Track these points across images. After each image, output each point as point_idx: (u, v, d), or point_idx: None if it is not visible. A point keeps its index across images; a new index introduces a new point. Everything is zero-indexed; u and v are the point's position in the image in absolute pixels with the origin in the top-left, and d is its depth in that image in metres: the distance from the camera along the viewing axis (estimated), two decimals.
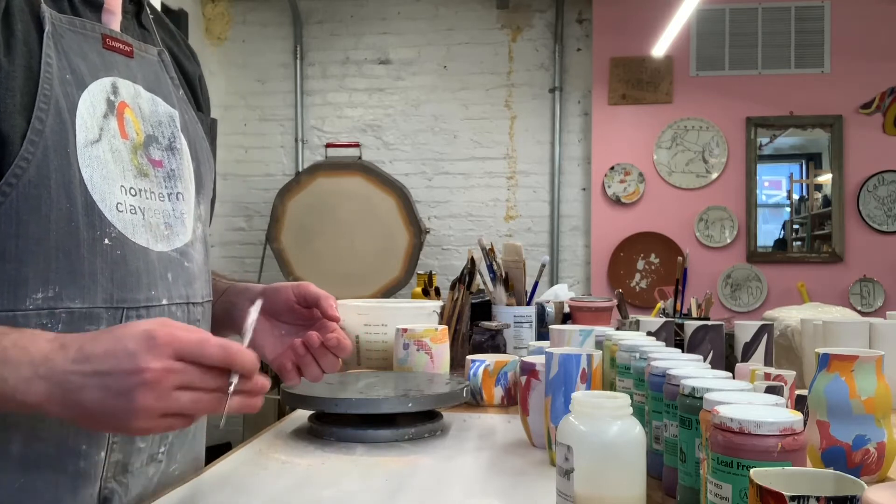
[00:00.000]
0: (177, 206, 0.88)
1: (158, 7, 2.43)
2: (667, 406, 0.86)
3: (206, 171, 0.97)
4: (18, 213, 0.72)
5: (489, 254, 1.93)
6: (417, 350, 1.50)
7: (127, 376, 0.65)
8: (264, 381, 0.72)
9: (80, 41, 0.80)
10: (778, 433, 0.62)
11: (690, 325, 1.44)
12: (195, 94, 1.03)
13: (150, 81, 0.89)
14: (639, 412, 0.91)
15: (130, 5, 0.91)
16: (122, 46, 0.86)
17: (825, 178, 4.26)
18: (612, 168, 4.25)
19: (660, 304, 2.23)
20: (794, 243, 4.38)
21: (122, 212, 0.80)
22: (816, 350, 0.92)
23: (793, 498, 0.51)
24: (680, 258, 2.11)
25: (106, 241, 0.78)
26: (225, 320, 1.00)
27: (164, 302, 0.84)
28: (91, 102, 0.79)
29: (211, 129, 1.04)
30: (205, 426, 1.02)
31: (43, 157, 0.73)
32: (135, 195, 0.82)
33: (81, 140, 0.77)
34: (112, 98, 0.82)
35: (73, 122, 0.76)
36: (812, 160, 4.37)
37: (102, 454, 0.79)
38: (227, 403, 0.69)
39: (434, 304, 1.86)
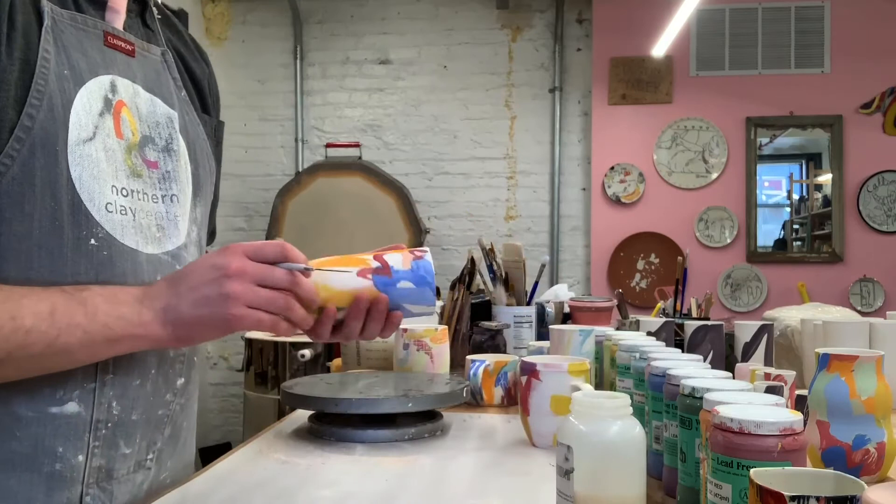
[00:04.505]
0: (171, 208, 0.87)
1: None
2: (667, 406, 0.86)
3: (205, 174, 0.95)
4: (1, 210, 0.71)
5: (489, 254, 1.92)
6: (417, 350, 1.50)
7: (214, 278, 0.76)
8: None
9: (81, 37, 0.79)
10: (778, 433, 0.62)
11: (690, 325, 1.44)
12: (202, 95, 1.01)
13: (151, 81, 0.88)
14: (639, 412, 0.91)
15: (135, 4, 0.89)
16: (123, 45, 0.84)
17: (825, 178, 4.26)
18: (612, 168, 4.25)
19: (660, 304, 2.23)
20: (794, 243, 4.38)
21: (111, 212, 0.78)
22: (816, 350, 0.92)
23: (793, 498, 0.51)
24: (680, 258, 2.11)
25: (92, 241, 0.76)
26: None
27: None
28: (88, 99, 0.77)
29: (216, 131, 1.02)
30: (194, 433, 1.00)
31: (29, 155, 0.72)
32: (126, 196, 0.81)
33: (74, 138, 0.75)
34: (110, 96, 0.80)
35: (67, 119, 0.75)
36: (812, 160, 4.37)
37: (81, 458, 0.78)
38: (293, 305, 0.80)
39: None
